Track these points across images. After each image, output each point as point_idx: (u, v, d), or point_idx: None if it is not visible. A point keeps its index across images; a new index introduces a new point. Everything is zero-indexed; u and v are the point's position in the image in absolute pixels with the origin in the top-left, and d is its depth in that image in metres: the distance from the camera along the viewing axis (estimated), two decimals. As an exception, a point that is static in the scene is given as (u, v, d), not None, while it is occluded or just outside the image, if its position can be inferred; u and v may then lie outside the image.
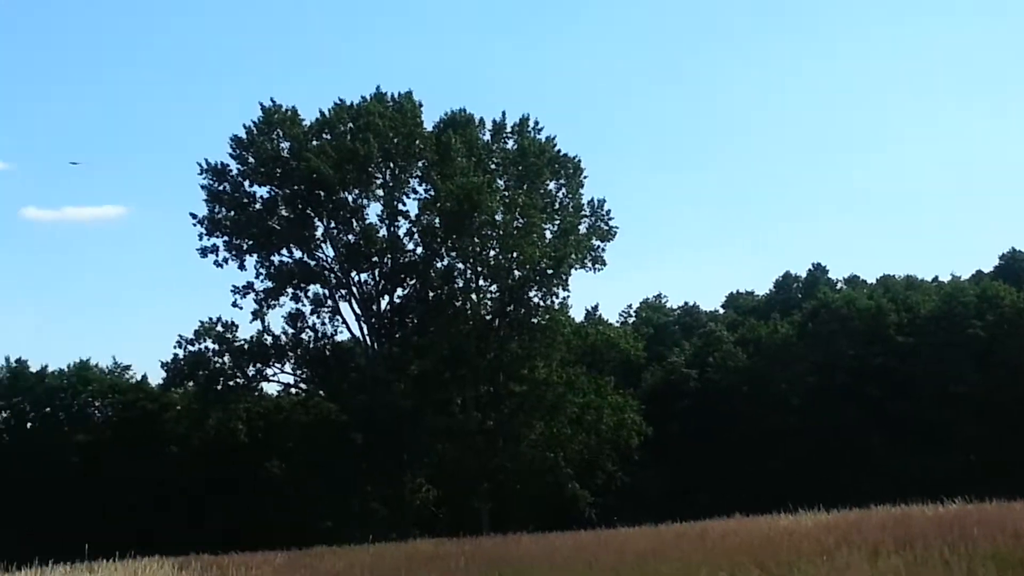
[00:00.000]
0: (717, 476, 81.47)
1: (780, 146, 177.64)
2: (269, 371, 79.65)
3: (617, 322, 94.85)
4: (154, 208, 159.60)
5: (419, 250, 77.55)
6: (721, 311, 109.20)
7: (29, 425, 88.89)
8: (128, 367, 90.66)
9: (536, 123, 76.93)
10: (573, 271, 75.79)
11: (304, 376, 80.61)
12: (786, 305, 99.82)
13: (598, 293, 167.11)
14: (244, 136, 75.66)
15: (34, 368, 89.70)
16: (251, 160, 75.57)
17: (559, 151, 76.80)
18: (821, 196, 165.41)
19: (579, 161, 77.68)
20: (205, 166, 76.35)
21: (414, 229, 77.25)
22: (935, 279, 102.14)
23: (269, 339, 78.11)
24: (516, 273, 75.89)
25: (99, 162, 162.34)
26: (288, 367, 79.69)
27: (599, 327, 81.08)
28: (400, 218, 77.04)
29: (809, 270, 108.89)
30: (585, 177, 77.80)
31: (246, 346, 78.32)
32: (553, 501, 75.91)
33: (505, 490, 77.01)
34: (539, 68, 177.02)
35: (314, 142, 75.44)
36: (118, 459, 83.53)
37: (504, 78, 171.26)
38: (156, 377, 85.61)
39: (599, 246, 76.73)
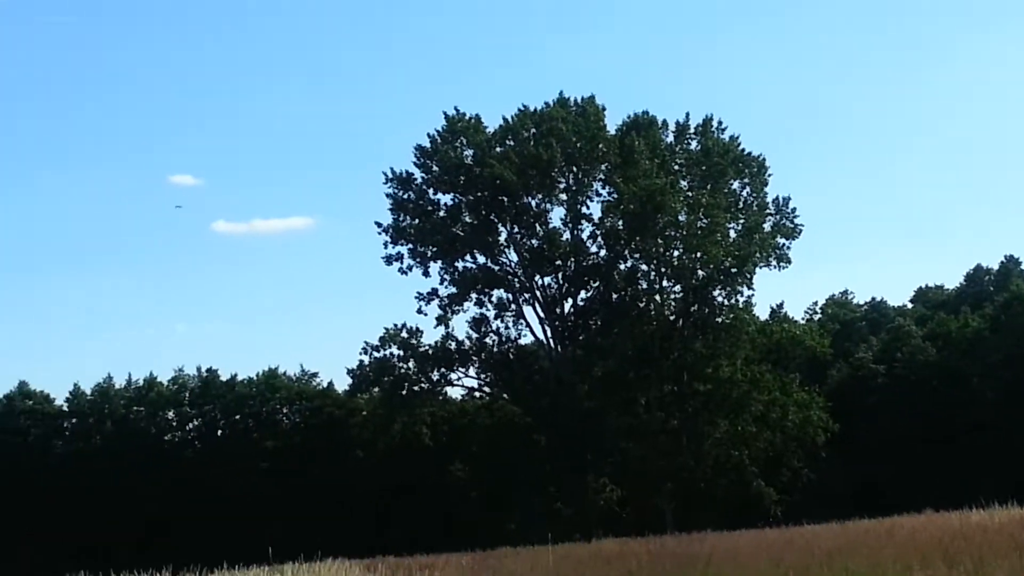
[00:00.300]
0: (906, 472, 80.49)
1: (969, 138, 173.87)
2: (453, 375, 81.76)
3: (803, 319, 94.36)
4: (340, 218, 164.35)
5: (602, 253, 78.65)
6: (909, 306, 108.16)
7: (220, 432, 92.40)
8: (315, 374, 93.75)
9: (720, 123, 77.31)
10: (757, 269, 76.12)
11: (488, 380, 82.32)
12: (977, 298, 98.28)
13: (783, 291, 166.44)
14: (428, 145, 77.60)
15: (224, 377, 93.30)
16: (435, 168, 77.45)
17: (743, 150, 76.99)
18: (1013, 187, 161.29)
19: (763, 160, 77.82)
20: (390, 175, 78.51)
21: (597, 232, 78.40)
22: None
23: (453, 344, 80.00)
24: (700, 273, 76.43)
25: (286, 175, 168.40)
26: (472, 371, 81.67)
27: (784, 325, 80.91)
28: (583, 221, 78.34)
29: (1001, 262, 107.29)
30: (769, 175, 77.94)
31: (430, 351, 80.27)
32: (738, 499, 76.05)
33: (689, 489, 77.31)
34: (722, 67, 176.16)
35: (497, 149, 77.01)
36: (305, 464, 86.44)
37: (688, 78, 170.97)
38: (342, 383, 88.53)
39: (784, 244, 76.76)
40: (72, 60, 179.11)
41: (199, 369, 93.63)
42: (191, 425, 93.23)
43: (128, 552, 63.01)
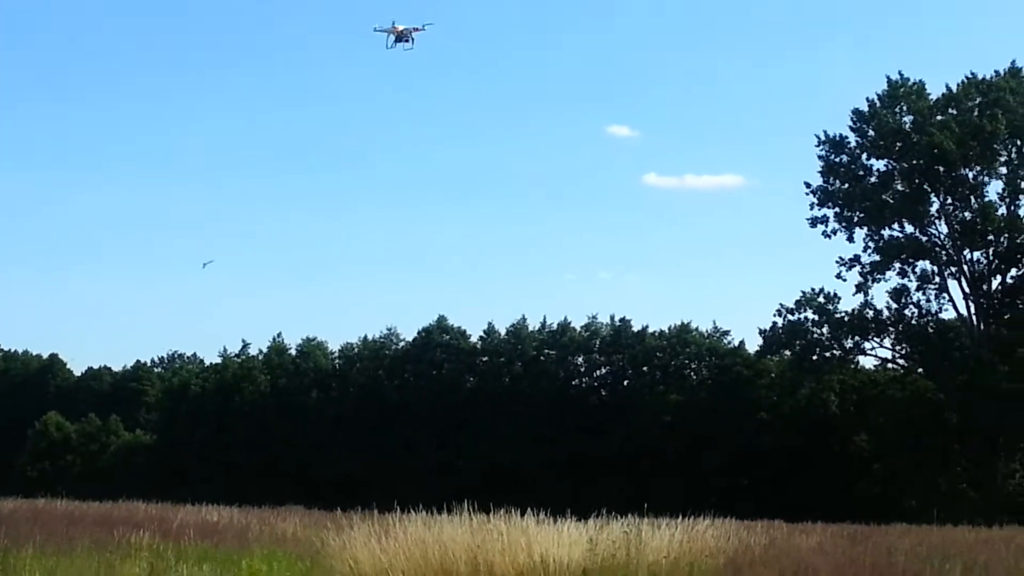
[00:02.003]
0: None
1: None
2: (867, 345, 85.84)
3: None
4: (770, 178, 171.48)
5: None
6: None
7: (626, 383, 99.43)
8: (727, 332, 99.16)
9: None
10: None
11: (903, 352, 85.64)
12: None
13: None
14: (866, 109, 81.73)
15: (636, 327, 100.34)
16: (871, 133, 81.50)
17: None
18: None
19: None
20: (823, 138, 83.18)
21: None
22: None
23: (871, 313, 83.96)
24: None
25: (720, 133, 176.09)
26: (887, 342, 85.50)
27: None
28: (1022, 196, 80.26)
29: None
30: None
31: (846, 318, 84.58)
32: None
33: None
34: None
35: (938, 117, 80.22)
36: (708, 421, 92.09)
37: None
38: (753, 344, 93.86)
39: None
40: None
41: (612, 318, 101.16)
42: (599, 372, 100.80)
43: (527, 490, 66.25)
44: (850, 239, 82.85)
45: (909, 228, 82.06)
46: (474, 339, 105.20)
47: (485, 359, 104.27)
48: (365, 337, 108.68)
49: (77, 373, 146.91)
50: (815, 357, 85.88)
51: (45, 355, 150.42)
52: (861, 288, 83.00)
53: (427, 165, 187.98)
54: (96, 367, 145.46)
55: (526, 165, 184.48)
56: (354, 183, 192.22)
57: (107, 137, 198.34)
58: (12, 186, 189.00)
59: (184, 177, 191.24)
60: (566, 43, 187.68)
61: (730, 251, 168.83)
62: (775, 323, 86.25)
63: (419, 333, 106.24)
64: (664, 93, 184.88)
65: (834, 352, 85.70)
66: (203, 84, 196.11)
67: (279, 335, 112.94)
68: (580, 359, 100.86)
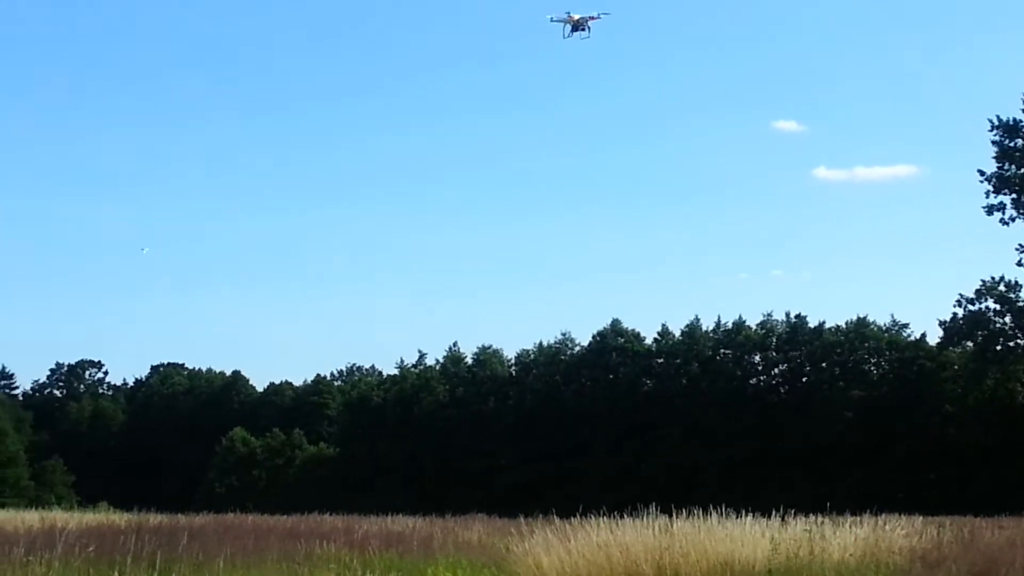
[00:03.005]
0: None
1: None
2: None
3: None
4: (943, 166, 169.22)
5: None
6: None
7: (805, 379, 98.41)
8: (906, 325, 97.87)
9: None
10: None
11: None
12: None
13: None
14: (1040, 92, 79.39)
15: (812, 323, 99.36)
16: (1047, 115, 79.21)
17: None
18: None
19: None
20: (996, 122, 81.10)
21: None
22: None
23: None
24: None
25: (889, 123, 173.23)
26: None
27: None
28: None
29: None
30: None
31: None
32: None
33: None
34: None
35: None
36: (890, 416, 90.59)
37: None
38: (934, 336, 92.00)
39: None
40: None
41: (787, 315, 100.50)
42: (777, 370, 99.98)
43: (706, 491, 65.76)
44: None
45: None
46: (649, 341, 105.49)
47: (661, 361, 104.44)
48: (540, 343, 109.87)
49: (260, 389, 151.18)
50: (999, 347, 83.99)
51: (229, 372, 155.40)
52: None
53: (595, 167, 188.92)
54: (278, 382, 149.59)
55: (693, 164, 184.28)
56: (523, 189, 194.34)
57: (279, 163, 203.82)
58: (194, 209, 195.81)
59: (356, 196, 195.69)
60: (730, 40, 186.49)
61: (905, 242, 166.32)
62: (955, 314, 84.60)
63: (594, 337, 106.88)
64: (831, 85, 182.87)
65: (1018, 341, 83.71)
66: (380, 102, 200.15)
67: (455, 344, 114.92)
68: (757, 357, 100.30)
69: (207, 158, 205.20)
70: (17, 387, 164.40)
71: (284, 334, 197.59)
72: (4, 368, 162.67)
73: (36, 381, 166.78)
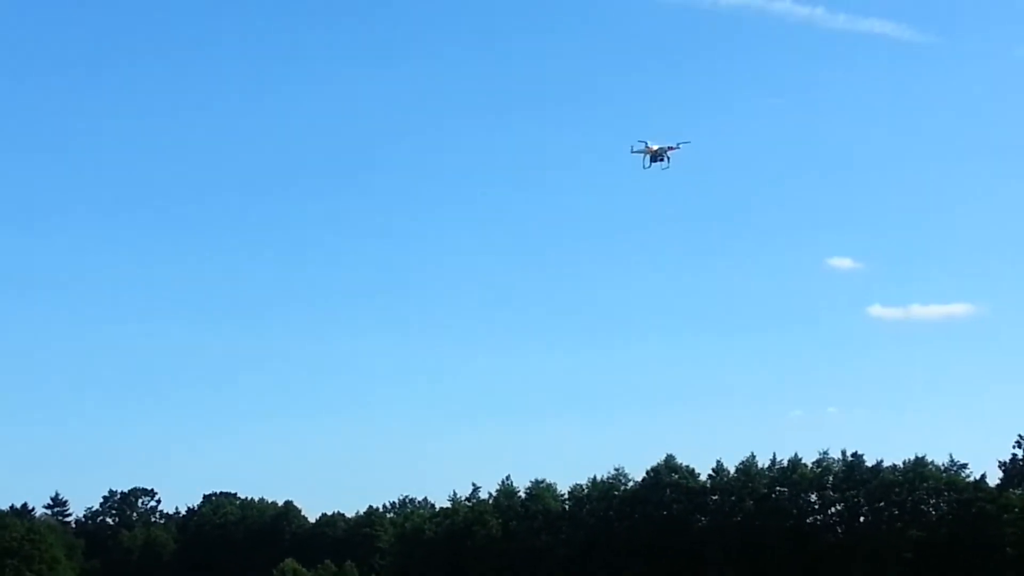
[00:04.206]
0: None
1: None
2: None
3: None
4: (1001, 304, 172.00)
5: None
6: None
7: (862, 519, 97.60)
8: (964, 465, 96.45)
9: None
10: None
11: None
12: None
13: None
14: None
15: (869, 462, 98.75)
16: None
17: None
18: None
19: None
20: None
21: None
22: None
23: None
24: None
25: (946, 260, 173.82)
26: None
27: None
28: None
29: None
30: None
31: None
32: None
33: None
34: None
35: None
36: (950, 558, 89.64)
37: None
38: (994, 477, 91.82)
39: None
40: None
41: (843, 453, 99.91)
42: (833, 509, 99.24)
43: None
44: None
45: None
46: (703, 477, 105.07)
47: (715, 497, 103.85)
48: (594, 478, 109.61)
49: (312, 519, 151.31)
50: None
51: (280, 502, 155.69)
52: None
53: (648, 299, 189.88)
54: (330, 513, 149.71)
55: (748, 299, 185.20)
56: (577, 319, 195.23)
57: (340, 290, 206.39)
58: (246, 336, 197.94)
59: (410, 326, 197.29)
60: (786, 174, 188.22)
61: (962, 381, 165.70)
62: (1015, 455, 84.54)
63: (648, 473, 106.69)
64: (887, 222, 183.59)
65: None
66: (434, 227, 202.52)
67: (508, 478, 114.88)
68: (813, 496, 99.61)
69: (253, 287, 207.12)
70: (70, 514, 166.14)
71: (336, 465, 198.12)
72: (58, 495, 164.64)
73: (89, 508, 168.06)
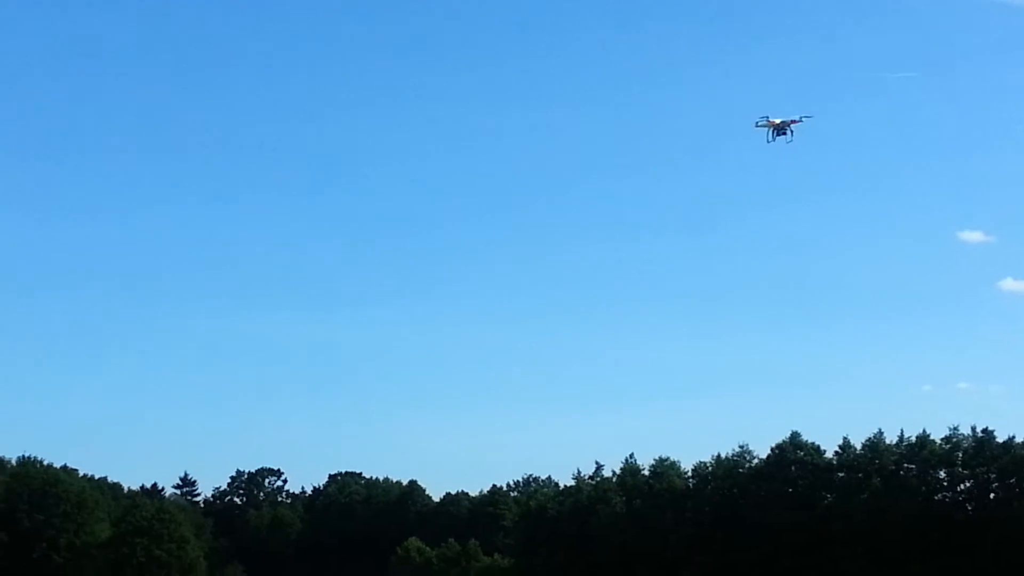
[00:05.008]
0: None
1: None
2: None
3: None
4: None
5: None
6: None
7: (992, 496, 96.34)
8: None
9: None
10: None
11: None
12: None
13: None
14: None
15: (1001, 438, 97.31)
16: None
17: None
18: None
19: None
20: None
21: None
22: None
23: None
24: None
25: None
26: None
27: None
28: None
29: None
30: None
31: None
32: None
33: None
34: None
35: None
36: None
37: None
38: None
39: None
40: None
41: (973, 429, 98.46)
42: (963, 486, 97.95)
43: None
44: None
45: None
46: (829, 454, 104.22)
47: (841, 475, 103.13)
48: (718, 455, 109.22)
49: (436, 499, 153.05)
50: None
51: (405, 482, 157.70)
52: None
53: (778, 277, 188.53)
54: (454, 492, 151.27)
55: (878, 275, 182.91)
56: (704, 301, 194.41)
57: (475, 275, 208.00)
58: (372, 321, 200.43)
59: (533, 310, 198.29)
60: (918, 150, 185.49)
61: None
62: None
63: (773, 450, 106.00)
64: (1019, 195, 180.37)
65: None
66: (567, 214, 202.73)
67: (631, 456, 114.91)
68: (942, 473, 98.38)
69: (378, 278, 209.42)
70: (199, 494, 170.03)
71: (461, 444, 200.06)
72: (187, 475, 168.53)
73: (217, 488, 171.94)
